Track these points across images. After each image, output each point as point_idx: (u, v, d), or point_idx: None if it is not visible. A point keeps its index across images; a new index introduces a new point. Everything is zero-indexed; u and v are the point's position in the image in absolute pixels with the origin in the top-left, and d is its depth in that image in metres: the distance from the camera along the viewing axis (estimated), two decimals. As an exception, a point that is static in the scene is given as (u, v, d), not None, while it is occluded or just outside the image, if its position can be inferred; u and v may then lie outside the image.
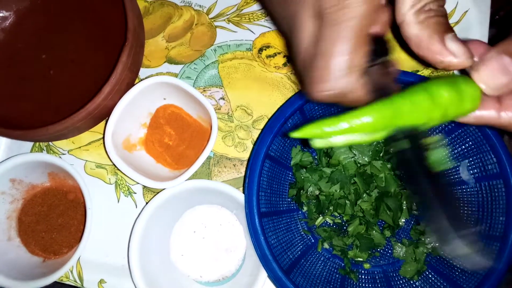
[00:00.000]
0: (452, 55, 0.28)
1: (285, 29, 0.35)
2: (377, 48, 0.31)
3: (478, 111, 0.30)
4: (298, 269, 0.44)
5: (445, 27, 0.29)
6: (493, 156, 0.41)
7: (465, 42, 0.29)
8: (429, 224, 0.28)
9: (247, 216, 0.42)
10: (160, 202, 0.46)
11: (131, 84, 0.49)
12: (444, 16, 0.29)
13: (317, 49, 0.29)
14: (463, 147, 0.44)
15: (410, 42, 0.30)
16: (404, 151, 0.28)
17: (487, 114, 0.30)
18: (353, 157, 0.45)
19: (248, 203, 0.42)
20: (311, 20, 0.30)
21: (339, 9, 0.28)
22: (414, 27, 0.29)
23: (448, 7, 0.53)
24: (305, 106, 0.44)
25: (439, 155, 0.29)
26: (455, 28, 0.52)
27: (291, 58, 0.34)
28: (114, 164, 0.47)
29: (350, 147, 0.45)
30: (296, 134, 0.28)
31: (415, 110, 0.28)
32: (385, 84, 0.30)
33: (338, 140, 0.28)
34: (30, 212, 0.51)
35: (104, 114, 0.48)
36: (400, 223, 0.45)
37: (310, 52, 0.30)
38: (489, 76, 0.28)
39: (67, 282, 0.50)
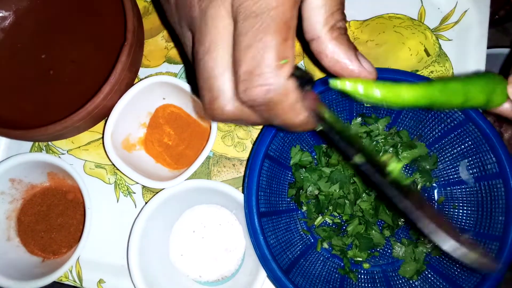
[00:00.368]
0: (366, 71, 0.29)
1: (182, 33, 0.32)
2: (303, 75, 0.30)
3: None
4: (297, 269, 0.44)
5: (353, 44, 0.30)
6: (492, 155, 0.41)
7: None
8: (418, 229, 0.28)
9: (246, 216, 0.42)
10: (160, 202, 0.46)
11: (130, 84, 0.49)
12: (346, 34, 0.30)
13: (242, 44, 0.26)
14: (462, 146, 0.44)
15: (325, 58, 0.29)
16: (365, 167, 0.28)
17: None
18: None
19: (247, 202, 0.42)
20: (227, 16, 0.27)
21: (258, 1, 0.25)
22: (330, 43, 0.29)
23: (448, 7, 0.53)
24: (305, 106, 0.44)
25: (398, 170, 0.29)
26: (454, 28, 0.52)
27: (190, 63, 0.32)
28: (113, 164, 0.47)
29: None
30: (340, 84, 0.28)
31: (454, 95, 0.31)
32: (316, 108, 0.30)
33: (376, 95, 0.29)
34: (30, 212, 0.51)
35: (104, 114, 0.48)
36: (400, 223, 0.45)
37: (225, 47, 0.27)
38: None
39: (66, 282, 0.50)
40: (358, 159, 0.28)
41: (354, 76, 0.30)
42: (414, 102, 0.30)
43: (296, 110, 0.28)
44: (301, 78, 0.29)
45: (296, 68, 0.29)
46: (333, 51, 0.29)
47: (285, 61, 0.26)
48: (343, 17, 0.30)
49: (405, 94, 0.29)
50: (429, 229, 0.27)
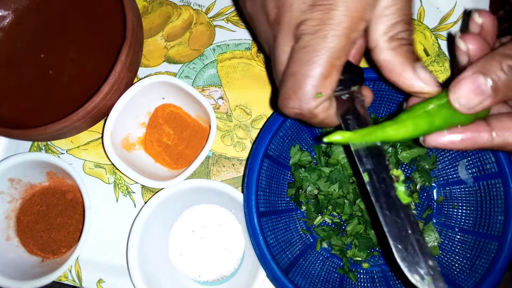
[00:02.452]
0: (422, 82, 0.30)
1: (266, 50, 0.37)
2: (351, 77, 0.33)
3: (471, 134, 0.31)
4: (297, 269, 0.44)
5: (415, 56, 0.31)
6: (491, 155, 0.41)
7: (428, 71, 0.31)
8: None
9: (246, 216, 0.42)
10: (159, 202, 0.46)
11: (130, 84, 0.49)
12: (413, 45, 0.31)
13: (289, 68, 0.30)
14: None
15: (382, 67, 0.31)
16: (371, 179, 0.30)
17: (479, 137, 0.31)
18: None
19: (246, 202, 0.42)
20: (289, 45, 0.31)
21: (318, 37, 0.29)
22: (387, 53, 0.30)
23: (447, 7, 0.53)
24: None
25: (403, 189, 0.30)
26: (453, 28, 0.52)
27: (272, 75, 0.37)
28: (112, 164, 0.47)
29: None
30: (332, 139, 0.29)
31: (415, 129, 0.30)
32: (355, 110, 0.32)
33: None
34: (29, 211, 0.51)
35: (103, 114, 0.48)
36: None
37: (284, 70, 0.32)
38: (462, 97, 0.29)
39: (66, 282, 0.50)
40: (365, 177, 0.30)
41: (408, 86, 0.30)
42: (403, 138, 0.30)
43: (326, 122, 0.33)
44: (347, 81, 0.32)
45: (346, 68, 0.31)
46: (388, 61, 0.30)
47: (320, 95, 0.30)
48: (407, 28, 0.30)
49: (391, 134, 0.30)
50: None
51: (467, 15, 0.52)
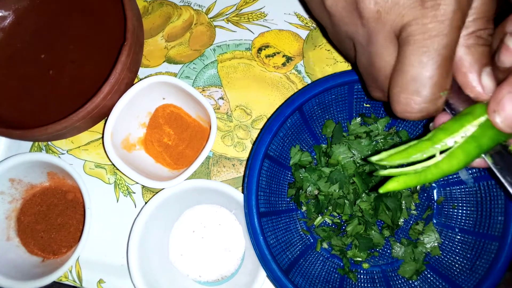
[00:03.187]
0: (482, 89, 0.29)
1: (343, 47, 0.36)
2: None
3: None
4: (297, 269, 0.44)
5: (487, 60, 0.29)
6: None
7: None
8: None
9: (246, 216, 0.42)
10: (159, 202, 0.46)
11: (130, 84, 0.49)
12: (489, 46, 0.30)
13: (406, 73, 0.29)
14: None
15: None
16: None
17: None
18: (352, 157, 0.45)
19: (247, 202, 0.42)
20: (392, 43, 0.30)
21: (432, 37, 0.28)
22: (461, 49, 0.29)
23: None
24: (304, 106, 0.44)
25: None
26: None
27: (361, 76, 0.36)
28: (113, 164, 0.47)
29: (349, 147, 0.45)
30: (388, 188, 0.29)
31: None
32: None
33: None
34: (29, 212, 0.51)
35: (103, 114, 0.48)
36: (399, 223, 0.45)
37: (393, 73, 0.31)
38: (507, 118, 0.28)
39: (66, 282, 0.50)
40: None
41: (468, 87, 0.30)
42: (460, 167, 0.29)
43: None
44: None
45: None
46: (459, 57, 0.29)
47: (445, 92, 0.29)
48: (487, 27, 0.29)
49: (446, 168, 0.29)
50: None
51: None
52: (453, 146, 0.28)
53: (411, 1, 0.28)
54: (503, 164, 0.30)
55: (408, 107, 0.30)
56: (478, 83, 0.29)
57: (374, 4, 0.30)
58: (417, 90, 0.29)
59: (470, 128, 0.29)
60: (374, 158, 0.29)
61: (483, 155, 0.30)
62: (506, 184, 0.29)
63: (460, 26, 0.28)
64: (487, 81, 0.29)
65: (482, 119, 0.29)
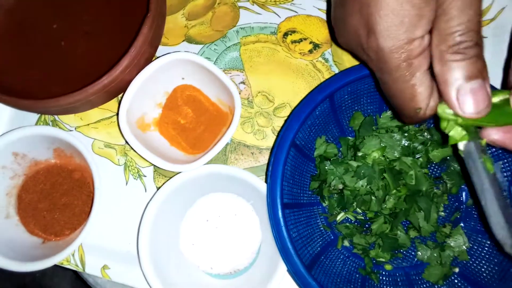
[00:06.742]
0: (458, 108, 0.30)
1: (351, 46, 0.37)
2: None
3: None
4: (319, 266, 0.41)
5: (469, 73, 0.29)
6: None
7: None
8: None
9: (269, 206, 0.39)
10: (175, 186, 0.43)
11: (149, 60, 0.46)
12: (475, 57, 0.29)
13: (389, 91, 0.34)
14: (497, 148, 0.42)
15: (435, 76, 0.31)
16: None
17: None
18: (384, 152, 0.43)
19: (271, 191, 0.39)
20: (400, 60, 0.32)
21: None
22: (437, 65, 0.30)
23: (484, 3, 0.50)
24: (336, 94, 0.42)
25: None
26: (490, 25, 0.50)
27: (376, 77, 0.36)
28: (127, 143, 0.44)
29: (381, 142, 0.43)
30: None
31: None
32: None
33: None
34: (32, 189, 0.48)
35: (119, 89, 0.45)
36: (430, 227, 0.43)
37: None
38: None
39: (68, 266, 0.47)
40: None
41: (447, 101, 0.31)
42: None
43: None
44: None
45: None
46: (436, 73, 0.31)
47: (419, 109, 0.33)
48: (465, 40, 0.29)
49: None
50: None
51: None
52: None
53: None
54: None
55: (404, 120, 0.36)
56: (454, 100, 0.30)
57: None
58: (401, 110, 0.35)
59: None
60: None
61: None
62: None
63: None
64: (467, 98, 0.29)
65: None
